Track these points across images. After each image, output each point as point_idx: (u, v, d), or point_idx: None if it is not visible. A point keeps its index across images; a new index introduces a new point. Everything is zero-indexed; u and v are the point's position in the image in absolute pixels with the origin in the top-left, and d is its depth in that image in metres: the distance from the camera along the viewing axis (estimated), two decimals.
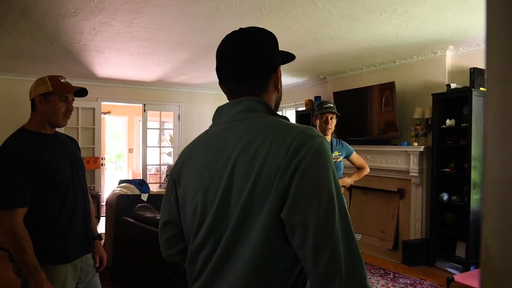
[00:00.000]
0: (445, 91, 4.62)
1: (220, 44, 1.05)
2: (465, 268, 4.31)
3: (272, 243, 0.88)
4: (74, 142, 2.06)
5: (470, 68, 4.42)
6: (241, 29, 1.05)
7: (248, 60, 1.01)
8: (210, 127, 1.08)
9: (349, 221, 0.87)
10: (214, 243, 0.96)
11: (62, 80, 1.83)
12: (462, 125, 4.43)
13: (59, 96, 1.80)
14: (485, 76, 0.36)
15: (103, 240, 2.39)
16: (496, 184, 0.35)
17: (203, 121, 8.18)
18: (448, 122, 4.57)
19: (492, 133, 0.36)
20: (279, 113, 1.06)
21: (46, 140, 1.82)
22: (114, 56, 5.35)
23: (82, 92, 1.92)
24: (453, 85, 4.57)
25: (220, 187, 0.94)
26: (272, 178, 0.87)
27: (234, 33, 1.04)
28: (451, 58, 4.87)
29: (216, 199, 0.95)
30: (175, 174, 1.10)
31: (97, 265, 2.03)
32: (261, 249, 0.88)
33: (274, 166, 0.87)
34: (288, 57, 1.13)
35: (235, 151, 0.94)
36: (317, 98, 6.72)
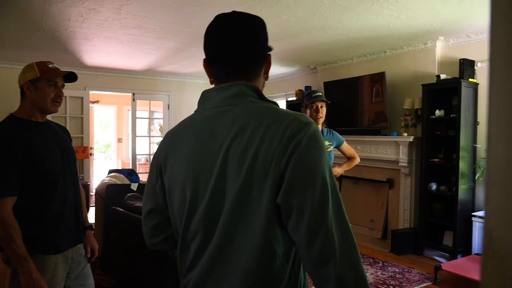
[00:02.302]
0: (434, 81, 4.65)
1: (212, 24, 1.02)
2: (452, 257, 4.39)
3: (272, 229, 0.88)
4: (65, 132, 2.02)
5: (460, 59, 4.44)
6: (234, 12, 1.02)
7: (245, 44, 0.99)
8: (195, 111, 1.05)
9: (342, 206, 0.88)
10: (208, 231, 0.94)
11: (50, 66, 1.79)
12: (451, 115, 4.47)
13: (47, 81, 1.77)
14: (488, 52, 0.35)
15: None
16: (499, 166, 0.35)
17: (192, 111, 7.72)
18: (437, 112, 4.61)
19: (496, 113, 0.35)
20: None
21: (36, 127, 1.79)
22: (102, 44, 5.26)
23: (71, 78, 1.88)
24: (442, 76, 4.59)
25: (213, 173, 0.93)
26: (268, 164, 0.87)
27: (228, 15, 1.01)
28: (441, 49, 4.89)
29: (208, 186, 0.93)
30: (160, 160, 1.06)
31: (89, 255, 2.01)
32: (263, 236, 0.88)
33: (270, 152, 0.87)
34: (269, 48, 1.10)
35: (228, 137, 0.92)
36: (308, 88, 6.71)
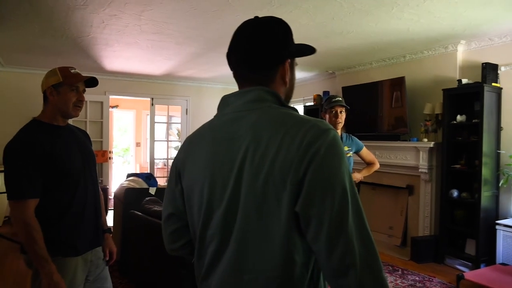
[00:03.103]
0: (456, 86, 4.56)
1: (236, 30, 1.03)
2: (475, 266, 4.27)
3: (292, 238, 0.87)
4: (85, 135, 2.06)
5: (482, 63, 4.35)
6: (256, 17, 1.02)
7: (254, 49, 0.99)
8: (215, 116, 1.05)
9: (363, 214, 0.86)
10: (225, 238, 0.93)
11: (72, 71, 1.83)
12: (473, 121, 4.37)
13: (69, 86, 1.80)
14: None
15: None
16: None
17: (210, 115, 7.87)
18: (458, 117, 4.51)
19: None
20: None
21: (58, 131, 1.82)
22: (122, 50, 5.34)
23: (92, 83, 1.91)
24: (464, 81, 4.51)
25: (231, 179, 0.92)
26: (286, 172, 0.85)
27: (247, 21, 1.02)
28: (462, 53, 4.80)
29: (226, 192, 0.93)
30: (179, 165, 1.07)
31: (107, 258, 2.03)
32: (282, 245, 0.87)
33: (288, 159, 0.86)
34: (307, 50, 1.06)
35: (244, 142, 0.91)
36: (326, 93, 6.67)
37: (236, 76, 1.03)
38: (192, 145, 1.05)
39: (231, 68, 1.04)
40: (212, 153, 0.97)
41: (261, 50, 0.98)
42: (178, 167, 1.07)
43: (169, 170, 8.91)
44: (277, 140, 0.88)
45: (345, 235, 0.82)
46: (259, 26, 1.00)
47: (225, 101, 1.02)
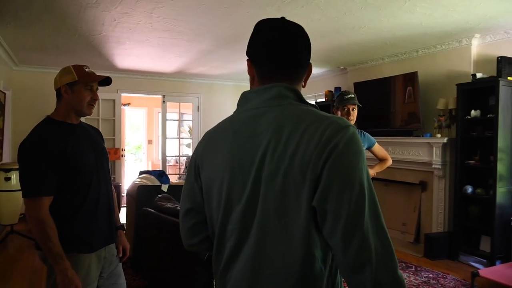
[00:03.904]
0: (470, 81, 4.49)
1: (261, 25, 1.03)
2: (490, 263, 4.21)
3: (310, 233, 0.87)
4: (98, 133, 2.07)
5: (498, 57, 4.27)
6: (283, 18, 1.03)
7: (296, 47, 1.00)
8: (235, 112, 1.05)
9: (379, 211, 0.86)
10: (244, 232, 0.94)
11: (87, 70, 1.84)
12: (488, 116, 4.30)
13: (84, 85, 1.81)
14: None
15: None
16: None
17: (222, 112, 8.15)
18: (473, 113, 4.44)
19: None
20: None
21: (71, 129, 1.84)
22: (134, 47, 5.37)
23: (105, 81, 1.92)
24: (478, 75, 4.43)
25: (251, 174, 0.93)
26: (305, 167, 0.86)
27: (278, 19, 1.03)
28: (476, 47, 4.72)
29: (246, 188, 0.93)
30: (198, 159, 1.07)
31: (120, 255, 2.04)
32: (302, 240, 0.87)
33: (307, 155, 0.86)
34: None
35: (265, 139, 0.92)
36: (337, 89, 6.62)
37: (261, 71, 1.03)
38: (212, 141, 1.05)
39: (257, 63, 1.03)
40: (233, 149, 0.98)
41: (303, 50, 1.01)
42: (197, 162, 1.07)
43: (181, 167, 9.00)
44: (296, 136, 0.89)
45: (361, 231, 0.82)
46: (296, 27, 1.02)
47: (245, 97, 1.03)
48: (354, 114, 3.18)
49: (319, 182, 0.85)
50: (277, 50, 1.00)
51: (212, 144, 1.05)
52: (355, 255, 0.82)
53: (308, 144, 0.87)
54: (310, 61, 1.06)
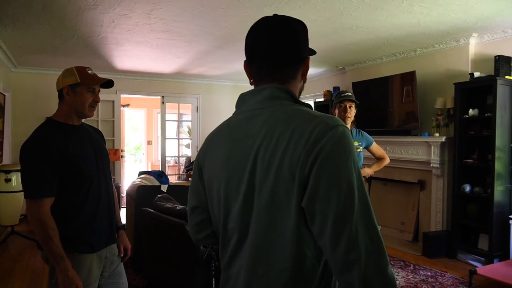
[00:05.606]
0: (468, 80, 4.51)
1: (254, 25, 1.04)
2: (488, 261, 4.23)
3: (301, 232, 0.89)
4: (99, 134, 2.09)
5: (495, 56, 4.29)
6: (275, 14, 1.04)
7: (282, 44, 1.00)
8: (233, 114, 1.08)
9: (370, 210, 0.86)
10: (243, 231, 0.97)
11: (89, 72, 1.85)
12: (486, 115, 4.32)
13: (86, 87, 1.82)
14: None
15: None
16: None
17: (221, 113, 8.18)
18: (471, 111, 4.47)
19: None
20: None
21: (73, 130, 1.85)
22: (133, 49, 5.38)
23: (107, 84, 1.93)
24: (476, 74, 4.45)
25: (245, 175, 0.95)
26: (293, 168, 0.87)
27: (268, 17, 1.03)
28: (474, 46, 4.74)
29: (241, 187, 0.96)
30: (200, 160, 1.12)
31: (122, 254, 2.06)
32: (292, 238, 0.89)
33: (295, 155, 0.87)
34: (312, 49, 1.11)
35: (257, 140, 0.94)
36: (336, 88, 6.64)
37: (256, 72, 1.05)
38: (213, 142, 1.09)
39: (251, 64, 1.05)
40: (228, 151, 1.01)
41: (289, 47, 1.01)
42: (199, 163, 1.12)
43: (180, 167, 9.01)
44: (286, 136, 0.90)
45: (349, 231, 0.82)
46: (283, 24, 1.02)
47: (242, 99, 1.05)
48: (351, 112, 3.19)
49: (308, 183, 0.86)
50: (262, 51, 1.01)
51: (212, 145, 1.08)
52: (343, 255, 0.82)
53: (297, 144, 0.88)
54: (308, 56, 1.06)
